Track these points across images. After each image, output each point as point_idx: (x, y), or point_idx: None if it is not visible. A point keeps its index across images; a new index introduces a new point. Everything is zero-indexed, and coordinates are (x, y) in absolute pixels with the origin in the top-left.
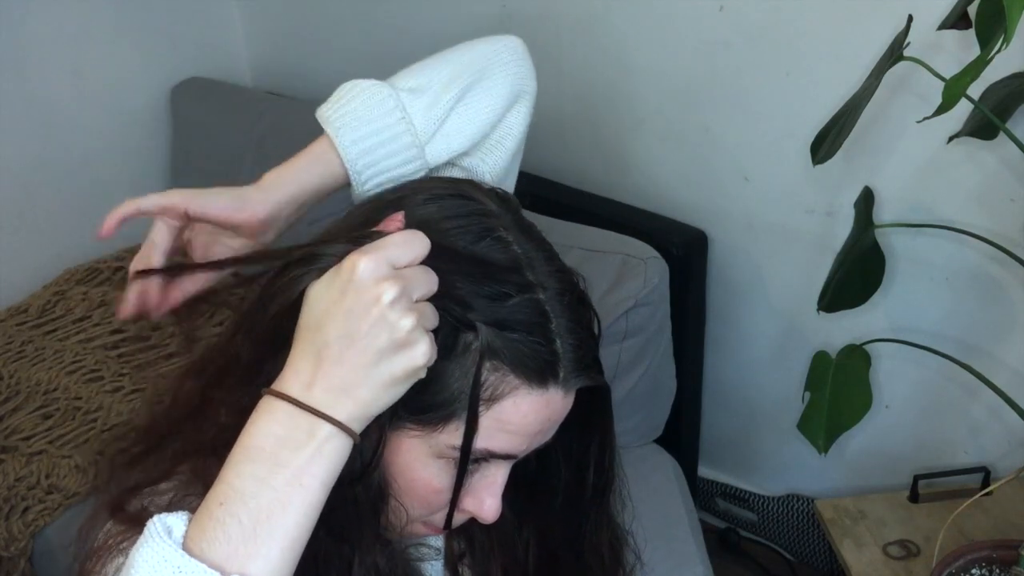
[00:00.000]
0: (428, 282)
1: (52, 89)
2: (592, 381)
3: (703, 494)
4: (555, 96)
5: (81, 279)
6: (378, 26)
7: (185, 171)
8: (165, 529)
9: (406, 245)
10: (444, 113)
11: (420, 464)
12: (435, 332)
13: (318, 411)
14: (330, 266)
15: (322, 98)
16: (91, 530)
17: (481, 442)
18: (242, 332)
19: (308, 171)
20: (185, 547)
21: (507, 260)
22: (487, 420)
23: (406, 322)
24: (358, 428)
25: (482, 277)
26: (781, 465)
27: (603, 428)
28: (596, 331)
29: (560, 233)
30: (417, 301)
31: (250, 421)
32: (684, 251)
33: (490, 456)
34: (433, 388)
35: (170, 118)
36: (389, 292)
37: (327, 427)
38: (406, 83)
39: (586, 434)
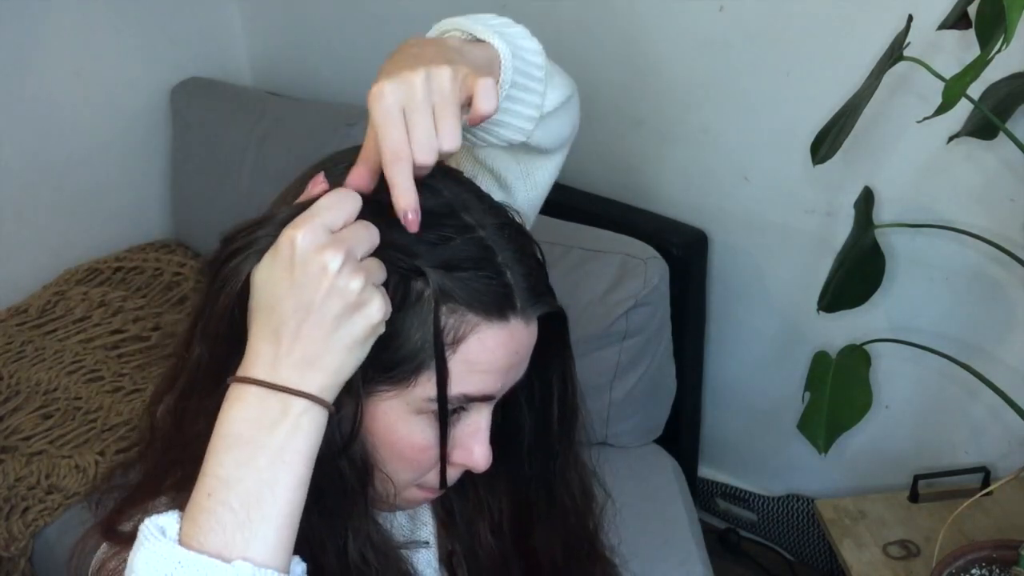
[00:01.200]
0: (369, 237)
1: (52, 89)
2: (550, 307)
3: (703, 494)
4: None
5: (81, 279)
6: (379, 26)
7: (185, 171)
8: (159, 529)
9: (337, 206)
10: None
11: (401, 424)
12: (385, 285)
13: (288, 388)
14: (267, 247)
15: (323, 98)
16: (83, 552)
17: (455, 387)
18: (197, 335)
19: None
20: (182, 543)
21: (441, 206)
22: (456, 364)
23: (355, 284)
24: (330, 397)
25: (421, 226)
26: (781, 465)
27: (562, 357)
28: (541, 259)
29: (560, 233)
30: (361, 259)
31: (223, 411)
32: (684, 251)
33: (467, 401)
34: (396, 343)
35: (170, 118)
36: (334, 260)
37: (300, 402)
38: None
39: (546, 366)
